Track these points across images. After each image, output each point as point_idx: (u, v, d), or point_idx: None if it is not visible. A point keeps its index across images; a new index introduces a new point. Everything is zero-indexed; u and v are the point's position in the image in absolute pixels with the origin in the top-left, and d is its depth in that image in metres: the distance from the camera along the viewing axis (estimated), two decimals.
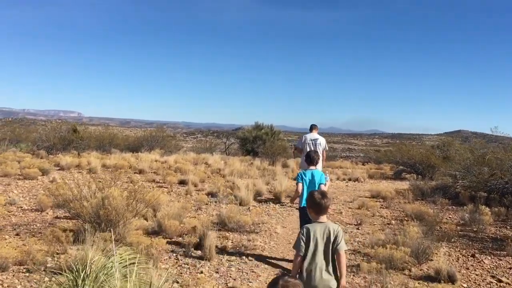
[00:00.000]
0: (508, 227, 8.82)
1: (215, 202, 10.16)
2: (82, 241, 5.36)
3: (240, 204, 9.94)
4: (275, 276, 2.75)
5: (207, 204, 9.93)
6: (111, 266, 3.79)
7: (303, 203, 5.68)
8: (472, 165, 13.08)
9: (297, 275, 3.28)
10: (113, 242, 3.50)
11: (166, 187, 12.17)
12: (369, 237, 7.52)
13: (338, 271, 3.35)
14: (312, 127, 10.03)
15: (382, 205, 11.24)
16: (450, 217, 9.83)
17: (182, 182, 12.90)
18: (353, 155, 55.49)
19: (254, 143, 28.81)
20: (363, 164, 31.18)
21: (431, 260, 6.17)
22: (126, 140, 29.98)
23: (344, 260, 3.36)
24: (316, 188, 5.68)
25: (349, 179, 17.42)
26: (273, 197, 11.31)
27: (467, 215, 9.13)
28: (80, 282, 3.56)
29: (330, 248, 3.33)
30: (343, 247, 3.35)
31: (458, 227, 8.60)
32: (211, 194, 11.06)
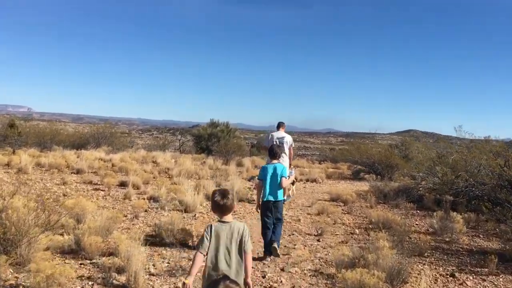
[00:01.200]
0: (481, 236, 8.03)
1: (157, 208, 8.84)
2: None
3: (185, 211, 8.68)
4: (216, 278, 2.68)
5: (146, 211, 8.58)
6: None
7: (265, 197, 5.90)
8: (435, 166, 12.39)
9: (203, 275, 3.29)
10: None
11: (103, 190, 10.72)
12: (332, 251, 6.47)
13: (244, 270, 3.30)
14: (279, 125, 9.86)
15: (343, 210, 10.29)
16: (417, 224, 8.97)
17: (123, 184, 11.48)
18: (309, 153, 55.23)
19: (209, 140, 27.74)
20: (319, 163, 30.53)
21: (406, 282, 5.18)
22: (72, 136, 28.01)
23: (250, 260, 3.33)
24: (278, 181, 5.88)
25: (307, 180, 16.47)
26: None
27: (435, 222, 8.28)
28: None
29: (236, 248, 3.27)
30: (249, 247, 3.32)
31: (428, 237, 7.69)
32: (153, 199, 9.72)
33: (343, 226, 8.48)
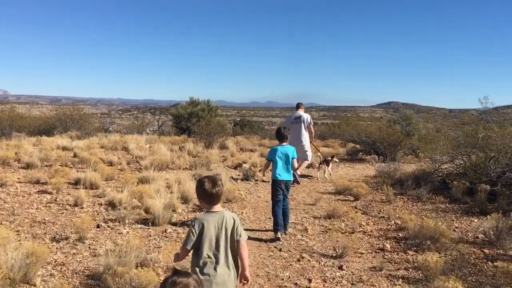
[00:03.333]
0: None
1: (113, 221, 6.54)
2: None
3: (153, 224, 6.42)
4: (166, 276, 2.13)
5: (99, 226, 6.29)
6: None
7: (274, 176, 6.08)
8: (460, 146, 10.32)
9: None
10: None
11: (50, 193, 8.36)
12: None
13: (240, 263, 3.01)
14: (298, 106, 10.48)
15: (355, 206, 8.17)
16: (457, 227, 6.88)
17: (79, 183, 9.10)
18: None
19: (189, 120, 25.58)
20: None
21: None
22: (36, 121, 25.32)
23: (246, 252, 3.03)
24: (290, 163, 6.11)
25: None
26: None
27: (489, 227, 6.17)
28: None
29: (228, 240, 2.92)
30: (244, 237, 3.01)
31: (486, 250, 5.63)
32: (112, 205, 7.41)
33: (366, 237, 6.31)
